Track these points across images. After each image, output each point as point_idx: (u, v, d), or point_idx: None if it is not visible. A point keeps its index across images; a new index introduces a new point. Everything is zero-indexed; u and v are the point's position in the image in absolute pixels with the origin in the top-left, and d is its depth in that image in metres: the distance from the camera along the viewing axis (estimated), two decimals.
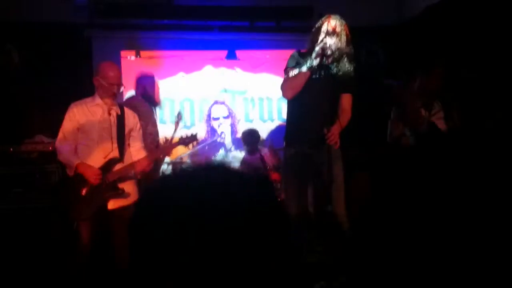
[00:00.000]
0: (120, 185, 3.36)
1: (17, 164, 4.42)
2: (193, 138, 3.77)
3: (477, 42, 4.35)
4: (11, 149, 4.44)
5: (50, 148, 4.30)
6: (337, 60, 3.36)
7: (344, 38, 3.32)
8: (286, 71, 3.47)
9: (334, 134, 3.16)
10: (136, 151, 3.54)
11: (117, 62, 5.36)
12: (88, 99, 3.45)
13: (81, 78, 4.40)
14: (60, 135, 3.40)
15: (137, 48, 5.58)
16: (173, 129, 4.38)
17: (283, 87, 3.46)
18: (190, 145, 3.85)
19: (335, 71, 3.37)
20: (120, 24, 5.41)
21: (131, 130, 3.54)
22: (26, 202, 4.33)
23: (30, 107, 4.96)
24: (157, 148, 3.69)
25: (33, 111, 4.92)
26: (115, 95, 3.45)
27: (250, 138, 5.29)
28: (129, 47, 5.55)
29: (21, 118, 4.85)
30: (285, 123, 3.68)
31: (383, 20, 5.73)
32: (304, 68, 3.34)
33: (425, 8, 5.17)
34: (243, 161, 5.28)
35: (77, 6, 5.03)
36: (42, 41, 5.10)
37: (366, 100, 4.54)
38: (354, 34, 3.45)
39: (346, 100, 3.45)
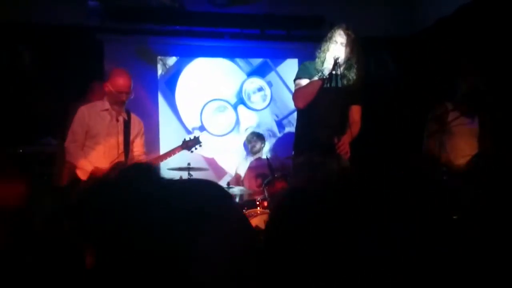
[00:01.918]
0: None
1: (25, 165, 4.44)
2: (196, 141, 3.80)
3: (490, 54, 4.33)
4: (21, 150, 4.46)
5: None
6: (348, 70, 3.37)
7: (355, 48, 3.33)
8: (297, 80, 3.48)
9: (344, 143, 3.15)
10: (137, 156, 3.62)
11: (128, 65, 5.40)
12: (98, 103, 3.50)
13: (93, 81, 4.41)
14: (69, 136, 3.44)
15: (148, 53, 5.62)
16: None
17: (294, 96, 3.46)
18: (193, 149, 3.86)
19: (345, 82, 3.37)
20: (132, 28, 5.44)
21: (135, 136, 3.61)
22: (34, 203, 4.33)
23: (41, 108, 4.98)
24: (157, 157, 3.68)
25: (43, 113, 4.94)
26: (123, 102, 3.49)
27: (255, 138, 5.28)
28: (140, 52, 5.59)
29: (31, 119, 4.87)
30: (295, 132, 3.68)
31: (395, 31, 5.74)
32: (315, 78, 3.35)
33: (437, 20, 5.18)
34: (250, 167, 5.26)
35: (89, 10, 5.06)
36: (54, 43, 5.13)
37: (375, 109, 4.54)
38: (365, 44, 3.46)
39: (356, 112, 3.45)
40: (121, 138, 3.48)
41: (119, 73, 3.48)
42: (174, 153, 3.73)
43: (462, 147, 3.83)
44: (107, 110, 3.47)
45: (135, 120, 3.64)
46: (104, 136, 3.43)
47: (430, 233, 0.59)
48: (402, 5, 5.79)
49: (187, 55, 5.79)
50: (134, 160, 3.57)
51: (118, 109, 3.49)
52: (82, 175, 3.36)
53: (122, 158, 3.46)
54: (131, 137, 3.55)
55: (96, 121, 3.44)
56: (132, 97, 3.56)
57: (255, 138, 5.31)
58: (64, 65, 5.02)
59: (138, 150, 3.64)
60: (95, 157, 3.40)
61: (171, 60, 5.75)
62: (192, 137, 3.87)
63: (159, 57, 5.70)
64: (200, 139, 3.95)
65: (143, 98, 5.48)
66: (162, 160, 3.64)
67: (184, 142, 3.84)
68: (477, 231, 0.61)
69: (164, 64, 5.73)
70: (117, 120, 3.48)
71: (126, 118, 3.55)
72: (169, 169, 4.66)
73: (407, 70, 5.54)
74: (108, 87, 3.43)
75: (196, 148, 3.92)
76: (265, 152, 5.45)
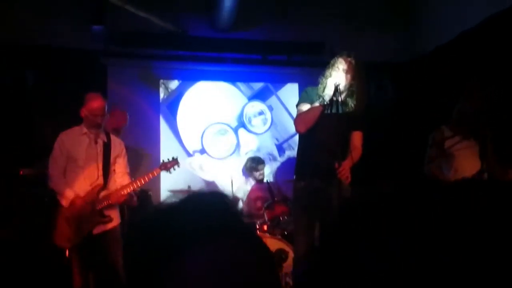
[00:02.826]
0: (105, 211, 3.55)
1: (26, 186, 4.45)
2: (174, 162, 3.85)
3: (487, 78, 4.40)
4: (21, 171, 4.48)
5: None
6: (349, 96, 3.42)
7: (356, 75, 3.39)
8: (299, 105, 3.53)
9: (345, 169, 3.18)
10: (120, 177, 3.71)
11: (131, 89, 5.47)
12: (76, 128, 3.65)
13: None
14: (51, 162, 3.57)
15: (150, 77, 5.69)
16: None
17: (296, 121, 3.51)
18: (172, 170, 3.88)
19: (346, 108, 3.42)
20: (135, 53, 5.51)
21: (116, 157, 3.71)
22: (35, 224, 4.34)
23: (42, 130, 5.01)
24: (136, 180, 3.70)
25: (45, 134, 4.96)
26: (100, 125, 3.61)
27: (255, 165, 5.29)
28: (143, 76, 5.66)
29: (32, 140, 4.90)
30: (296, 156, 3.71)
31: (395, 57, 5.82)
32: (317, 103, 3.40)
33: (436, 46, 5.27)
34: (251, 190, 5.27)
35: (94, 34, 5.14)
36: (58, 65, 5.19)
37: (375, 135, 4.59)
38: (365, 70, 3.51)
39: (357, 137, 3.49)
40: (100, 160, 3.58)
41: (93, 97, 3.61)
42: (153, 175, 3.76)
43: (464, 168, 3.89)
44: (85, 134, 3.59)
45: (116, 142, 3.75)
46: (84, 160, 3.54)
47: (430, 246, 0.60)
48: (402, 32, 5.89)
49: (189, 79, 5.87)
50: (117, 181, 3.66)
51: (96, 132, 3.61)
52: (65, 202, 3.48)
53: (101, 180, 3.56)
54: (111, 158, 3.65)
55: (75, 146, 3.57)
56: (107, 119, 3.69)
57: (254, 164, 5.30)
58: (67, 88, 5.07)
59: (120, 171, 3.72)
60: (76, 181, 3.52)
61: (173, 84, 5.82)
62: (170, 159, 3.91)
63: (161, 80, 5.77)
64: (179, 159, 3.94)
65: (145, 121, 5.53)
66: (142, 183, 3.66)
67: (163, 163, 3.88)
68: (478, 241, 0.62)
69: (166, 88, 5.79)
70: (96, 143, 3.58)
71: (106, 140, 3.66)
72: (169, 191, 4.68)
73: (406, 96, 5.62)
74: (84, 111, 3.57)
75: (174, 169, 3.92)
76: (266, 175, 5.47)
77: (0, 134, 4.77)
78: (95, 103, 3.56)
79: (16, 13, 5.06)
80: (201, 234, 0.68)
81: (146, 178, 3.68)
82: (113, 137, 3.75)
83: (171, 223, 0.70)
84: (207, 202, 0.75)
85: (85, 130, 3.60)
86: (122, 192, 3.55)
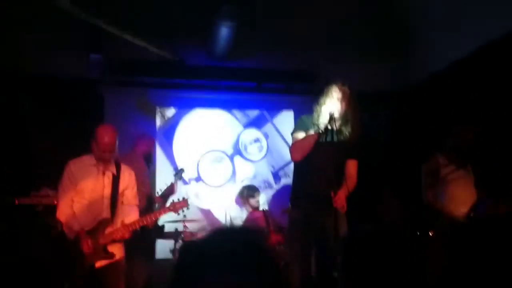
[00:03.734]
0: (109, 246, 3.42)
1: (22, 216, 4.41)
2: (183, 203, 3.80)
3: (479, 107, 4.44)
4: (17, 201, 4.45)
5: (55, 201, 4.30)
6: (344, 125, 3.44)
7: (350, 104, 3.42)
8: (294, 134, 3.54)
9: (341, 198, 3.17)
10: (127, 209, 3.57)
11: (127, 117, 5.48)
12: (86, 158, 3.49)
13: (92, 133, 4.48)
14: (59, 191, 3.46)
15: (147, 105, 5.72)
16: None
17: (291, 149, 3.52)
18: (180, 211, 3.84)
19: (341, 136, 3.44)
20: (132, 81, 5.55)
21: (125, 189, 3.57)
22: (31, 255, 4.28)
23: (38, 159, 5.00)
24: (143, 218, 3.62)
25: (41, 164, 4.95)
26: (109, 160, 3.46)
27: (251, 193, 5.28)
28: (140, 104, 5.69)
29: (28, 170, 4.88)
30: (292, 185, 3.71)
31: (389, 85, 5.88)
32: (312, 132, 3.41)
33: (429, 75, 5.33)
34: (247, 219, 5.24)
35: (91, 63, 5.18)
36: (55, 94, 5.22)
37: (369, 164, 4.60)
38: (359, 99, 3.54)
39: (352, 166, 3.49)
40: (107, 193, 3.45)
41: (103, 132, 3.42)
42: (160, 214, 3.70)
43: (460, 196, 3.91)
44: (93, 165, 3.45)
45: (125, 173, 3.60)
46: (90, 191, 3.41)
47: None
48: (395, 61, 5.96)
49: (185, 107, 5.90)
50: (124, 213, 3.54)
51: (105, 163, 3.47)
52: (69, 233, 3.36)
53: (108, 213, 3.44)
54: (120, 190, 3.52)
55: (83, 176, 3.43)
56: (116, 153, 3.50)
57: (249, 192, 5.29)
58: (64, 116, 5.09)
59: (128, 203, 3.59)
60: (81, 212, 3.40)
61: (170, 112, 5.85)
62: (181, 199, 3.85)
63: (158, 108, 5.80)
64: (188, 202, 3.89)
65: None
66: (149, 222, 3.58)
67: (172, 203, 3.82)
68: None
69: (163, 116, 5.82)
70: (104, 174, 3.46)
71: (115, 172, 3.51)
72: (165, 221, 4.64)
73: (400, 125, 5.65)
74: (93, 144, 3.42)
75: (183, 211, 3.89)
76: (262, 203, 5.45)
77: None
78: (105, 138, 3.36)
79: (14, 42, 5.10)
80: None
81: (153, 217, 3.59)
82: (123, 168, 3.59)
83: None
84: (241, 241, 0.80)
85: (93, 161, 3.45)
86: (128, 229, 3.42)
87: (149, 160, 4.58)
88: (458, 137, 4.00)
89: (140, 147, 4.63)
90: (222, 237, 0.80)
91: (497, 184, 3.85)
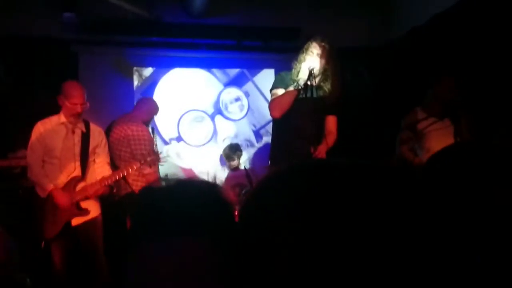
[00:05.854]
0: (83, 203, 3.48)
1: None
2: (155, 156, 3.80)
3: (464, 60, 4.43)
4: None
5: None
6: (323, 81, 3.42)
7: (330, 60, 3.39)
8: (273, 90, 3.51)
9: (321, 153, 3.19)
10: (100, 167, 3.64)
11: (103, 77, 5.37)
12: (54, 118, 3.54)
13: (60, 90, 4.38)
14: (28, 152, 3.49)
15: (124, 64, 5.59)
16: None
17: (271, 106, 3.50)
18: (153, 165, 3.84)
19: (321, 92, 3.42)
20: (108, 40, 5.40)
21: (96, 147, 3.63)
22: (9, 218, 4.25)
23: (14, 121, 4.90)
24: (115, 172, 3.62)
25: (17, 125, 4.85)
26: (80, 114, 3.49)
27: (232, 152, 5.29)
28: (116, 63, 5.56)
29: (4, 132, 4.79)
30: (271, 142, 3.71)
31: (369, 41, 5.83)
32: (291, 88, 3.39)
33: (410, 29, 5.29)
34: (228, 178, 5.26)
35: (65, 22, 5.02)
36: (28, 55, 5.07)
37: (352, 120, 4.61)
38: (341, 55, 3.51)
39: (331, 122, 3.50)
40: (77, 151, 3.50)
41: (71, 85, 3.52)
42: (132, 169, 3.67)
43: (436, 148, 3.90)
44: (62, 123, 3.50)
45: (95, 131, 3.66)
46: (60, 150, 3.46)
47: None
48: (376, 16, 5.90)
49: (163, 66, 5.79)
50: (97, 172, 3.59)
51: (74, 121, 3.51)
52: (42, 193, 3.40)
53: (79, 171, 3.49)
54: (90, 148, 3.57)
55: (52, 136, 3.47)
56: (87, 107, 3.52)
57: (232, 151, 5.30)
58: (39, 77, 4.96)
59: (100, 161, 3.65)
60: (52, 172, 3.45)
61: (147, 71, 5.73)
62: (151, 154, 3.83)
63: (135, 68, 5.67)
64: (161, 156, 3.93)
65: (119, 109, 5.44)
66: (121, 176, 3.60)
67: (143, 157, 3.79)
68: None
69: (140, 75, 5.70)
70: (73, 133, 3.50)
71: (84, 130, 3.57)
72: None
73: (382, 80, 5.64)
74: (62, 100, 3.46)
75: (155, 164, 3.89)
76: (243, 162, 5.46)
77: None
78: (74, 91, 3.44)
79: None
80: (182, 227, 0.71)
81: (125, 171, 3.62)
82: (93, 127, 3.65)
83: (157, 206, 0.75)
84: (201, 194, 0.79)
85: (63, 119, 3.50)
86: (101, 184, 3.48)
87: (148, 124, 4.37)
88: (436, 89, 3.98)
89: (139, 113, 4.39)
90: (180, 188, 0.79)
91: (476, 135, 3.87)
